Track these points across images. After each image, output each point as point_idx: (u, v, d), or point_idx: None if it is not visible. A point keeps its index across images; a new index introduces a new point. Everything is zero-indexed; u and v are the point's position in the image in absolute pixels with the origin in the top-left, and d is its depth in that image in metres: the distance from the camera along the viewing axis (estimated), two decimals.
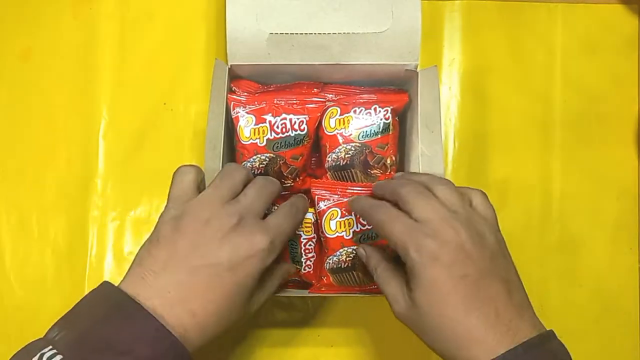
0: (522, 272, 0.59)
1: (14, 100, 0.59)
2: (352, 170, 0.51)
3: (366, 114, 0.51)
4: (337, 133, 0.51)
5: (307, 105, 0.51)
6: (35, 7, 0.59)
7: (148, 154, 0.59)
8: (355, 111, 0.51)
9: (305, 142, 0.51)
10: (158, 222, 0.42)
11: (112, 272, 0.57)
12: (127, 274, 0.40)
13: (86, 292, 0.57)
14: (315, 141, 0.53)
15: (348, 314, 0.58)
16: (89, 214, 0.58)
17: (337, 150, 0.51)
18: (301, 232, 0.51)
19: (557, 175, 0.59)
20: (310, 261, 0.52)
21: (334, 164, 0.51)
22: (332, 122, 0.51)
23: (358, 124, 0.51)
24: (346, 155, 0.51)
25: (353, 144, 0.51)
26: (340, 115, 0.51)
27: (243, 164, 0.51)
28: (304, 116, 0.50)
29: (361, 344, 0.58)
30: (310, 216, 0.52)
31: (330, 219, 0.49)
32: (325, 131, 0.51)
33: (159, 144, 0.59)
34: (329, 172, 0.52)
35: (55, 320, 0.39)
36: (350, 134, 0.51)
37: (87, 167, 0.58)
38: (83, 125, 0.59)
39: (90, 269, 0.57)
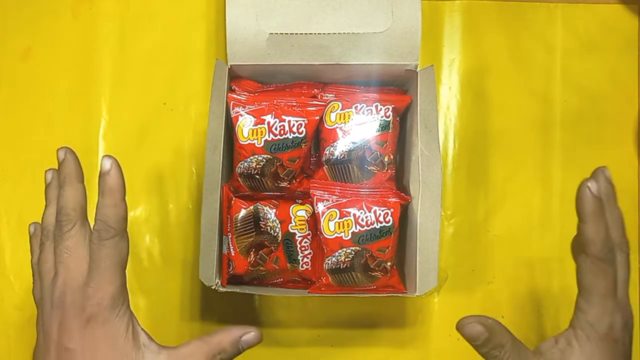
0: (522, 272, 0.59)
1: (14, 100, 0.59)
2: (349, 165, 0.51)
3: (367, 110, 0.51)
4: (337, 127, 0.51)
5: (306, 108, 0.51)
6: (35, 7, 0.60)
7: (148, 154, 0.59)
8: (356, 107, 0.51)
9: (303, 145, 0.51)
10: None
11: None
12: None
13: None
14: (315, 137, 0.53)
15: (348, 314, 0.58)
16: (89, 214, 0.58)
17: (335, 144, 0.51)
18: (296, 231, 0.52)
19: (557, 175, 0.59)
20: (308, 258, 0.52)
21: (331, 157, 0.51)
22: (333, 116, 0.51)
23: (358, 120, 0.51)
24: (344, 150, 0.51)
25: (352, 139, 0.51)
26: (341, 110, 0.51)
27: (240, 163, 0.51)
28: (303, 119, 0.50)
29: (361, 344, 0.58)
30: (303, 213, 0.52)
31: (329, 220, 0.49)
32: (325, 125, 0.51)
33: (159, 144, 0.59)
34: (325, 166, 0.52)
35: None
36: (350, 129, 0.51)
37: (87, 167, 0.58)
38: (83, 125, 0.59)
39: None
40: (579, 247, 0.39)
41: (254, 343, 0.41)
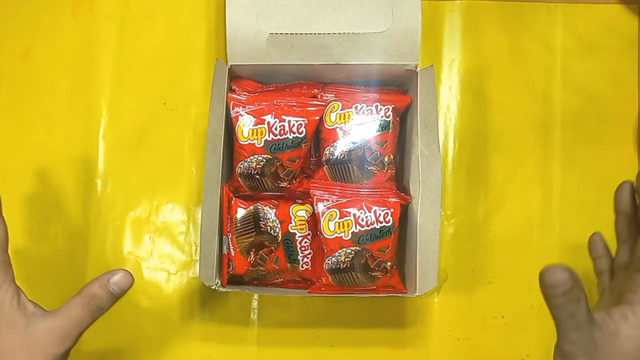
0: (522, 272, 0.59)
1: (14, 100, 0.59)
2: (349, 165, 0.51)
3: (367, 110, 0.51)
4: (337, 127, 0.51)
5: (306, 108, 0.51)
6: (34, 7, 0.60)
7: (148, 154, 0.59)
8: (356, 107, 0.51)
9: (303, 145, 0.51)
10: None
11: None
12: None
13: None
14: (315, 137, 0.53)
15: (348, 314, 0.58)
16: (89, 214, 0.58)
17: (335, 144, 0.51)
18: (296, 231, 0.52)
19: (557, 175, 0.59)
20: (308, 258, 0.52)
21: (331, 157, 0.51)
22: (333, 116, 0.51)
23: (358, 120, 0.51)
24: (344, 150, 0.51)
25: (352, 139, 0.51)
26: (341, 110, 0.51)
27: (240, 163, 0.51)
28: (303, 119, 0.50)
29: (361, 344, 0.58)
30: (303, 213, 0.52)
31: (329, 220, 0.49)
32: (325, 125, 0.51)
33: (159, 144, 0.59)
34: (325, 166, 0.52)
35: None
36: (350, 129, 0.51)
37: (87, 167, 0.58)
38: (83, 125, 0.59)
39: (90, 269, 0.57)
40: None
41: (125, 283, 0.41)
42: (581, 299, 0.38)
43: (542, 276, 0.38)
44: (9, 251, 0.43)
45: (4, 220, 0.43)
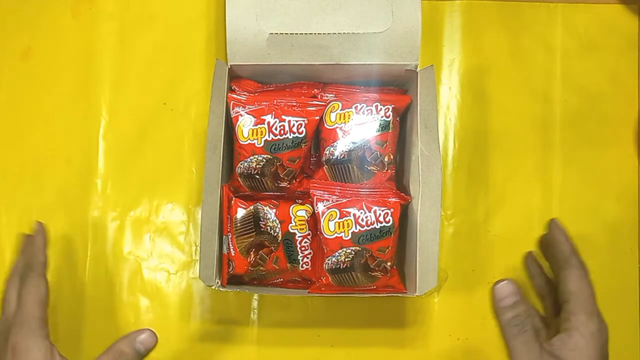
0: (522, 272, 0.59)
1: (14, 100, 0.59)
2: (349, 165, 0.51)
3: (367, 110, 0.51)
4: (337, 127, 0.51)
5: (306, 108, 0.51)
6: (35, 7, 0.60)
7: (148, 154, 0.59)
8: (356, 107, 0.51)
9: (303, 145, 0.51)
10: None
11: (112, 272, 0.57)
12: None
13: (86, 292, 0.57)
14: (315, 137, 0.53)
15: (348, 314, 0.58)
16: (89, 214, 0.58)
17: (335, 144, 0.51)
18: (296, 231, 0.52)
19: (557, 175, 0.59)
20: (308, 258, 0.52)
21: (331, 157, 0.51)
22: (333, 116, 0.51)
23: (358, 120, 0.51)
24: (344, 150, 0.51)
25: (352, 139, 0.51)
26: (341, 110, 0.51)
27: (240, 163, 0.51)
28: (303, 119, 0.50)
29: (361, 344, 0.58)
30: (303, 213, 0.52)
31: (329, 220, 0.49)
32: (325, 125, 0.51)
33: (159, 144, 0.59)
34: (325, 166, 0.52)
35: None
36: (350, 129, 0.51)
37: (87, 167, 0.58)
38: (83, 125, 0.59)
39: (90, 269, 0.57)
40: (560, 264, 0.46)
41: (150, 342, 0.44)
42: (530, 316, 0.41)
43: (491, 292, 0.42)
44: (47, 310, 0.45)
45: (46, 279, 0.45)
